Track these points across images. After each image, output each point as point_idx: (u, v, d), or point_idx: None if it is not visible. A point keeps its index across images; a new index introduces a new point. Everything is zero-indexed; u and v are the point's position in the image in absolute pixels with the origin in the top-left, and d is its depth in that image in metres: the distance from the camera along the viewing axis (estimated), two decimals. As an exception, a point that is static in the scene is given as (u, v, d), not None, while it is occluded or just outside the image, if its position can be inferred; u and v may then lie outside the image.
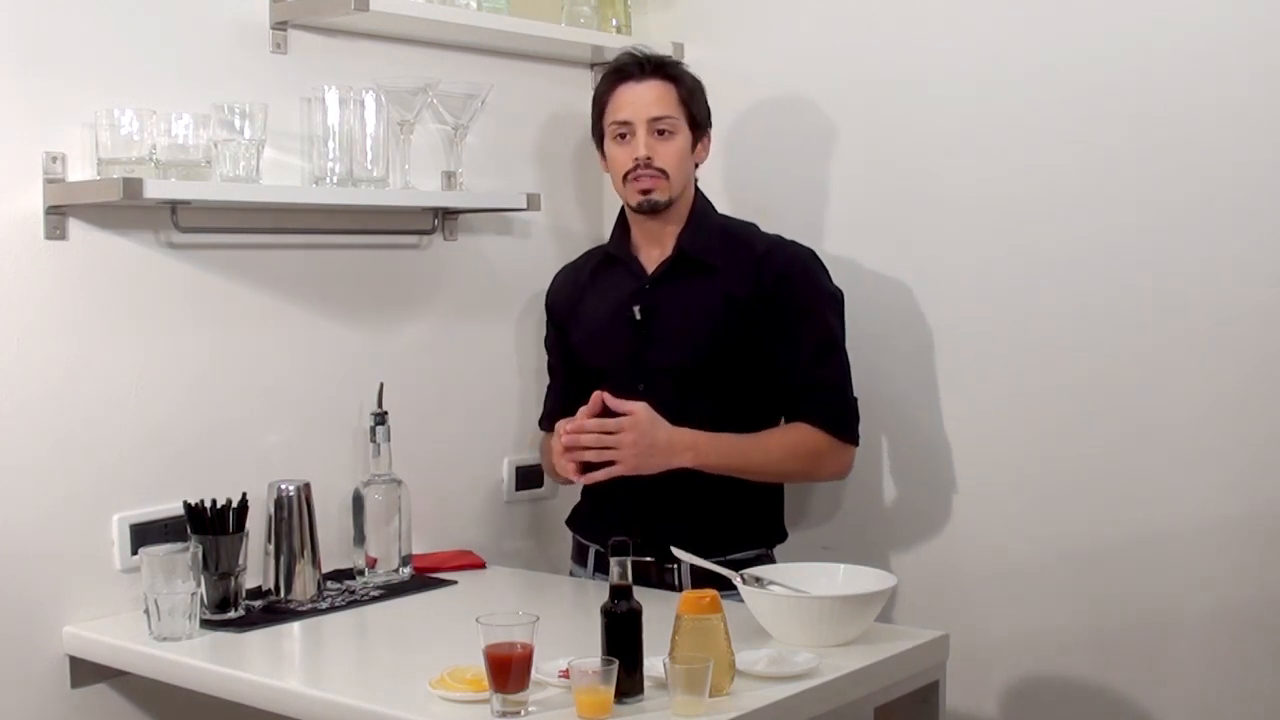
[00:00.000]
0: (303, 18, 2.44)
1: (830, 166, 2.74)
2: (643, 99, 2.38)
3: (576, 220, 2.96)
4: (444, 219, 2.70)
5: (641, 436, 2.26)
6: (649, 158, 2.36)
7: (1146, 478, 2.41)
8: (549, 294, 2.66)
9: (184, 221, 2.26)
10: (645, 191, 2.38)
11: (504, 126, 2.78)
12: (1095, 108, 2.41)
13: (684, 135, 2.40)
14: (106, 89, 2.20)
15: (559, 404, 2.57)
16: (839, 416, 2.39)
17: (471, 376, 2.78)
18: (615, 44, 2.83)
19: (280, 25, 2.44)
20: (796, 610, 2.01)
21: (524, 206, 2.67)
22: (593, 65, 2.96)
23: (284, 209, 2.44)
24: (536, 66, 2.87)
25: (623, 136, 2.40)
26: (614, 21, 2.88)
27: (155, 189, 2.11)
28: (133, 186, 2.07)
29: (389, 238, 2.63)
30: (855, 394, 2.43)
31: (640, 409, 2.28)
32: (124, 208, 2.22)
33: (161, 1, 2.30)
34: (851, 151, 2.71)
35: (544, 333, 2.68)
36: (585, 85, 2.95)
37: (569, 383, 2.57)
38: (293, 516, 2.30)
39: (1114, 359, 2.43)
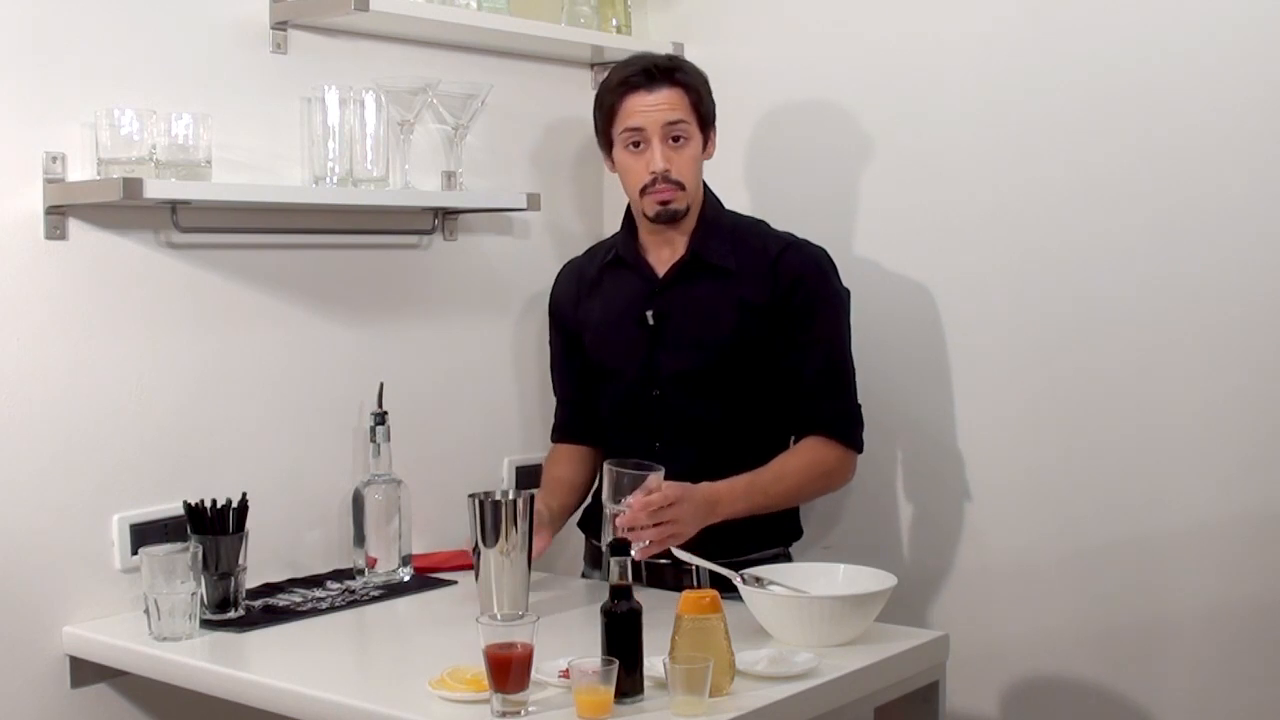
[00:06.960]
0: (303, 18, 2.44)
1: (832, 166, 2.74)
2: (656, 107, 2.33)
3: (576, 220, 2.96)
4: (444, 219, 2.70)
5: (690, 504, 2.18)
6: (667, 170, 2.33)
7: (1147, 478, 2.41)
8: (552, 296, 2.61)
9: (184, 221, 2.26)
10: (664, 203, 2.35)
11: (504, 126, 2.78)
12: (1103, 112, 2.41)
13: (696, 140, 2.36)
14: (106, 89, 2.20)
15: (570, 416, 2.57)
16: (848, 426, 2.37)
17: (471, 376, 2.78)
18: (615, 44, 2.83)
19: (280, 25, 2.44)
20: (796, 610, 2.01)
21: (524, 206, 2.67)
22: (593, 65, 2.96)
23: (284, 209, 2.44)
24: (536, 66, 2.87)
25: (636, 145, 2.35)
26: (614, 21, 2.88)
27: (155, 189, 2.11)
28: (133, 186, 2.07)
29: (389, 238, 2.63)
30: (860, 399, 2.41)
31: (669, 486, 2.17)
32: (124, 208, 2.22)
33: (162, 1, 2.29)
34: (854, 150, 2.71)
35: (544, 333, 2.65)
36: (585, 85, 2.95)
37: (579, 392, 2.54)
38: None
39: (1115, 361, 2.43)
